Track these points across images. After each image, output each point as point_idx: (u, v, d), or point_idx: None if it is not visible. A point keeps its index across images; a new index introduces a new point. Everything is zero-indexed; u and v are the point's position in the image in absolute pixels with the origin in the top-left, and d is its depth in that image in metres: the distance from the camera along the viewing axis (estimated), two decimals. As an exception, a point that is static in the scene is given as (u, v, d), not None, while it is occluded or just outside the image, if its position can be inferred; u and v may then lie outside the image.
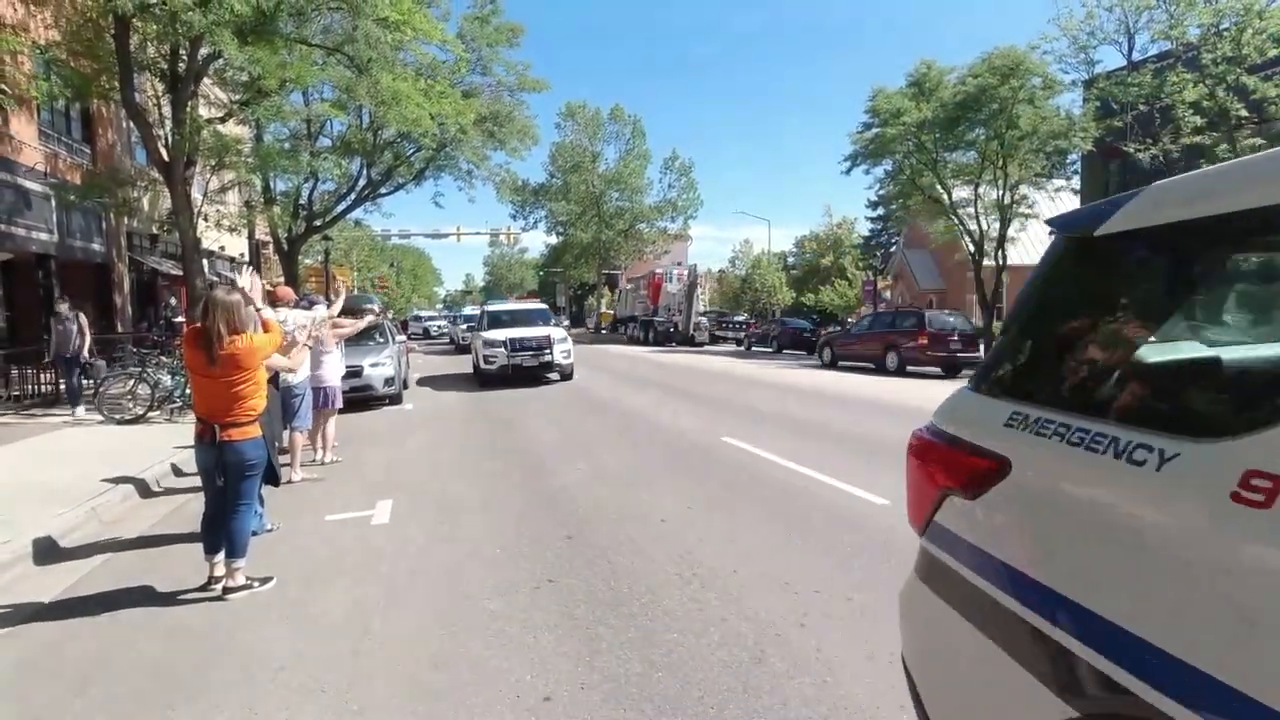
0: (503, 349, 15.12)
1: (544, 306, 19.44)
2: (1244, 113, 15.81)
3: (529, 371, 15.35)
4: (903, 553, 4.63)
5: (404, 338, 19.07)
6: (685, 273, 33.93)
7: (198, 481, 6.94)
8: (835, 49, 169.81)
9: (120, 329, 17.31)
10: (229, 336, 3.93)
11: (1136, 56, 18.11)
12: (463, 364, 20.12)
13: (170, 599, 4.16)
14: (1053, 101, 21.33)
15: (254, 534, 4.52)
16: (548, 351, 15.35)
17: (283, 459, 6.49)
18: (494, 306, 18.98)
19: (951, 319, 19.11)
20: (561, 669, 3.24)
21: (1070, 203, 27.31)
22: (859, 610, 3.79)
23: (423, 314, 58.11)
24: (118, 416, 10.37)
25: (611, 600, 3.99)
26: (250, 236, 21.83)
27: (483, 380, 15.66)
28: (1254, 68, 15.56)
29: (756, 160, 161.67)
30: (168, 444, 8.50)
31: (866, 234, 56.49)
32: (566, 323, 27.01)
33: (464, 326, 30.64)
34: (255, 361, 4.03)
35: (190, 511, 6.04)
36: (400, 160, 25.33)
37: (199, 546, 4.37)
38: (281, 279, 24.62)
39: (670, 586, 4.17)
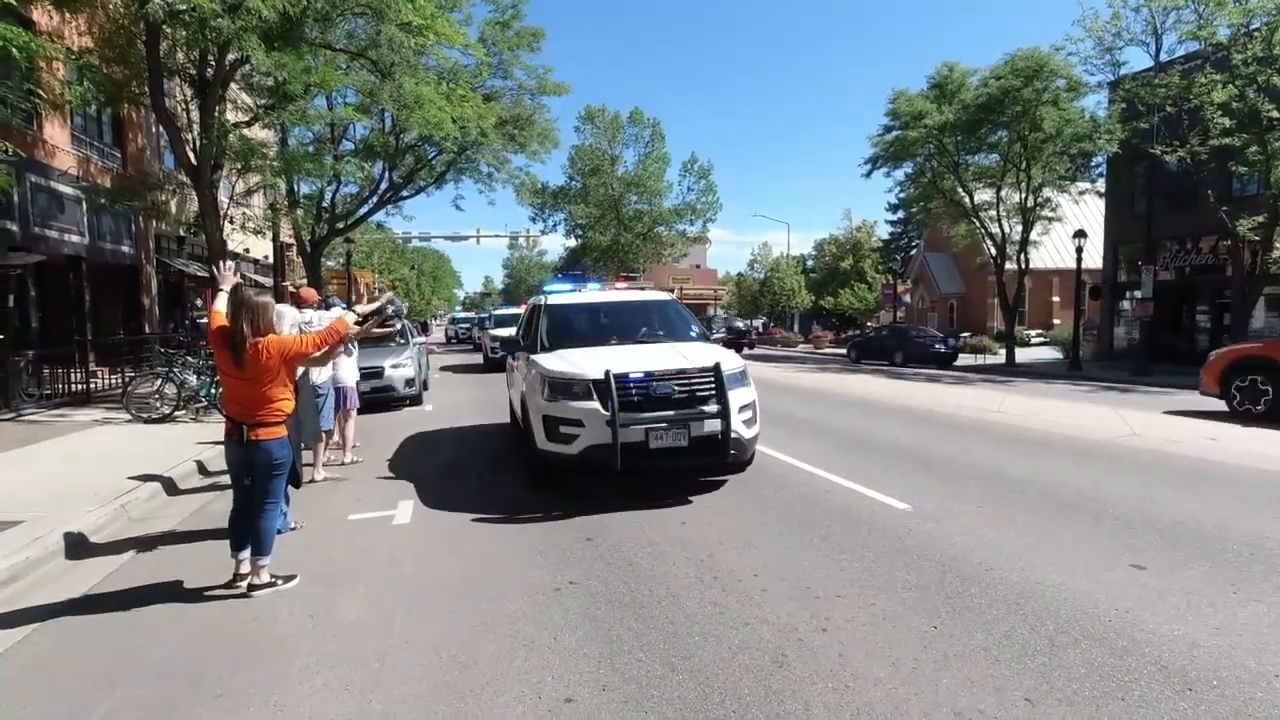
0: (595, 403, 5.98)
1: (668, 296, 8.73)
2: (1275, 114, 15.47)
3: (665, 464, 6.14)
4: (924, 559, 4.59)
5: (423, 339, 19.23)
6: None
7: (222, 480, 7.13)
8: (857, 51, 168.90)
9: (148, 330, 17.62)
10: (253, 338, 3.99)
11: (1164, 57, 17.80)
12: (490, 391, 14.03)
13: (197, 595, 4.22)
14: (1077, 103, 21.07)
15: (278, 532, 4.58)
16: (711, 408, 6.06)
17: (305, 457, 6.57)
18: (560, 298, 8.34)
19: (737, 321, 33.25)
20: (583, 671, 3.25)
21: (1095, 206, 26.97)
22: (881, 616, 3.76)
23: (460, 315, 54.82)
24: (145, 415, 10.55)
25: (632, 603, 4.00)
26: (275, 239, 22.10)
27: (543, 473, 6.65)
28: (1286, 68, 15.27)
29: (776, 163, 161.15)
30: (193, 443, 8.64)
31: (886, 237, 56.14)
32: (723, 333, 11.98)
33: (495, 333, 21.03)
34: (281, 363, 4.08)
35: (215, 510, 6.14)
36: (421, 163, 25.54)
37: (224, 544, 4.43)
38: (304, 280, 24.93)
39: (691, 590, 4.17)
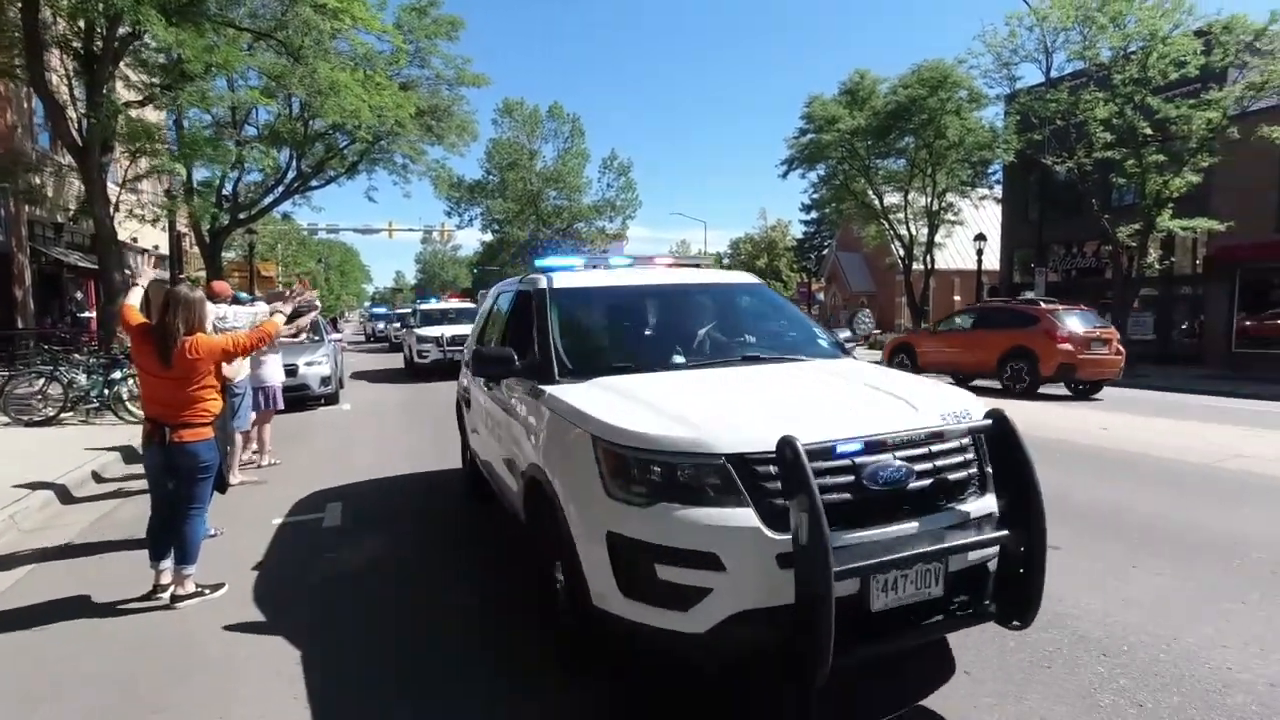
0: (749, 511, 2.53)
1: (752, 279, 5.07)
2: (1149, 131, 16.92)
3: (895, 645, 2.76)
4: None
5: (337, 335, 18.47)
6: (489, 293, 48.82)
7: (123, 486, 6.65)
8: (774, 53, 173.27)
9: (21, 324, 16.13)
10: (185, 336, 3.75)
11: (1054, 74, 19.16)
12: (419, 393, 13.60)
13: (112, 610, 3.91)
14: (978, 114, 22.39)
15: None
16: (980, 506, 2.91)
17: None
18: (577, 279, 4.48)
19: None
20: (544, 654, 3.21)
21: (994, 211, 28.74)
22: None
23: (378, 311, 49.00)
24: (26, 418, 9.67)
25: (582, 598, 3.97)
26: (170, 228, 20.62)
27: (613, 661, 3.04)
28: (1158, 89, 16.69)
29: (694, 162, 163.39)
30: (86, 447, 7.99)
31: (800, 237, 57.90)
32: (848, 334, 6.29)
33: (422, 333, 17.53)
34: (211, 363, 3.85)
35: (119, 518, 5.73)
36: (333, 152, 24.45)
37: (133, 554, 4.17)
38: (203, 272, 23.45)
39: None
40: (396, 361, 21.13)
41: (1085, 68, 18.22)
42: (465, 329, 14.75)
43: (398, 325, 30.66)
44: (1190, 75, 16.24)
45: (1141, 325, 21.64)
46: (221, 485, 4.33)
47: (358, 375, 18.13)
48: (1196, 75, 16.29)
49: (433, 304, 22.04)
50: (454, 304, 21.75)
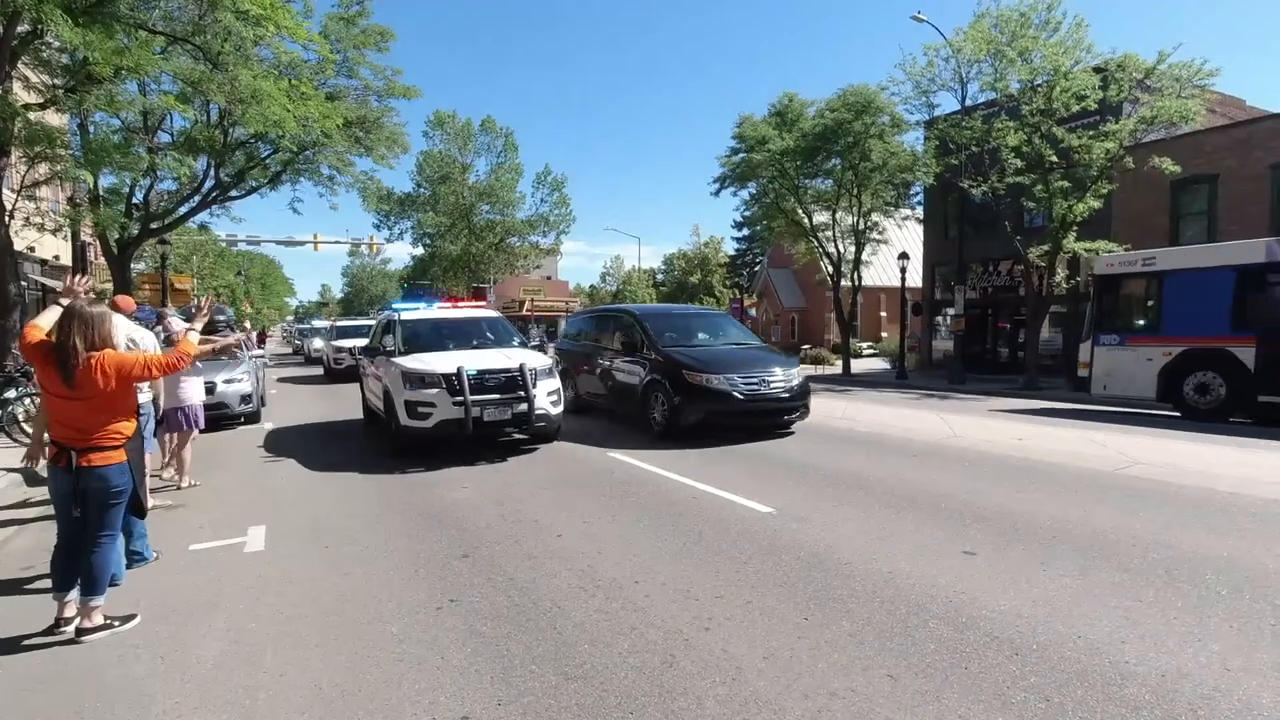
0: None
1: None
2: (1055, 158, 18.04)
3: None
4: (791, 557, 4.91)
5: (260, 351, 17.73)
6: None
7: (15, 514, 6.21)
8: (707, 73, 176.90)
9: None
10: (86, 353, 3.54)
11: (969, 103, 20.22)
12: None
13: (12, 646, 3.65)
14: (900, 138, 23.38)
15: (129, 567, 4.07)
16: None
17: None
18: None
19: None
20: (476, 687, 3.18)
21: (916, 231, 30.05)
22: (758, 612, 3.99)
23: (320, 324, 43.24)
24: (-91, 441, 8.93)
25: (517, 616, 3.95)
26: (73, 238, 19.38)
27: None
28: (1062, 120, 17.84)
29: (628, 178, 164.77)
30: (-19, 471, 7.43)
31: (733, 253, 59.08)
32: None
33: (408, 365, 8.64)
34: (120, 382, 3.65)
35: (14, 547, 5.37)
36: (254, 162, 23.53)
37: (32, 586, 3.88)
38: (110, 284, 22.17)
39: (575, 599, 4.19)
40: (346, 406, 13.73)
41: (997, 98, 19.29)
42: (492, 357, 9.20)
43: (341, 346, 21.99)
44: (1090, 108, 17.41)
45: (1050, 341, 22.93)
46: (140, 509, 4.10)
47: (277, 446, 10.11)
48: (1096, 108, 17.47)
49: (424, 311, 11.46)
50: (461, 312, 11.78)
